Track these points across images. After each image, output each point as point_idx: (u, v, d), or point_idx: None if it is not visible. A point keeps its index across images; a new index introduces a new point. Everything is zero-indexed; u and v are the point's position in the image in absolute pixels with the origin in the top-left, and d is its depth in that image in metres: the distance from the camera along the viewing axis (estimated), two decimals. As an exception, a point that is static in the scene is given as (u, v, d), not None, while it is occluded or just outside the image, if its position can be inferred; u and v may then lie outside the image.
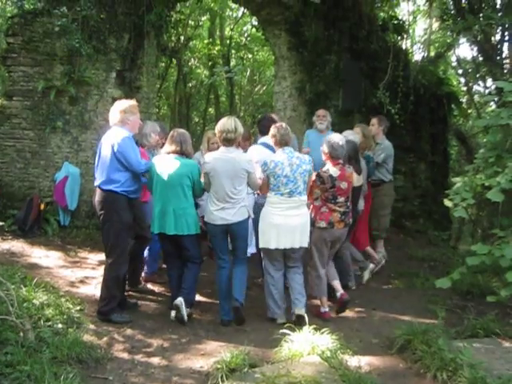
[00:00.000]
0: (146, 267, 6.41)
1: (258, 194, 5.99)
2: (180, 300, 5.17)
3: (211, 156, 5.33)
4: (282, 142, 5.41)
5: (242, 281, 5.44)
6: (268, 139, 5.85)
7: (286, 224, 5.29)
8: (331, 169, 5.52)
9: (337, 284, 5.76)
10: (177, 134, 5.33)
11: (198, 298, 6.05)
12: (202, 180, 5.36)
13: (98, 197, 5.28)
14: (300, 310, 5.28)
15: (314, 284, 5.71)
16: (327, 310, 5.64)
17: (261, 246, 5.49)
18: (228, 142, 5.20)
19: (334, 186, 5.47)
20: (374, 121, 7.51)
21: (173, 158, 5.24)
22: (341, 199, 5.54)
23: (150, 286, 6.37)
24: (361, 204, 6.53)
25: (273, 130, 5.51)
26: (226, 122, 5.21)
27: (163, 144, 5.75)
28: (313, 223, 5.51)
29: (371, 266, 6.97)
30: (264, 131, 6.29)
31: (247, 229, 5.49)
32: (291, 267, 5.53)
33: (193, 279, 5.41)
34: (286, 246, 5.33)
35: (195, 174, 5.28)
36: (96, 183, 5.33)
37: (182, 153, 5.26)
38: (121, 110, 5.31)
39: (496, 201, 4.65)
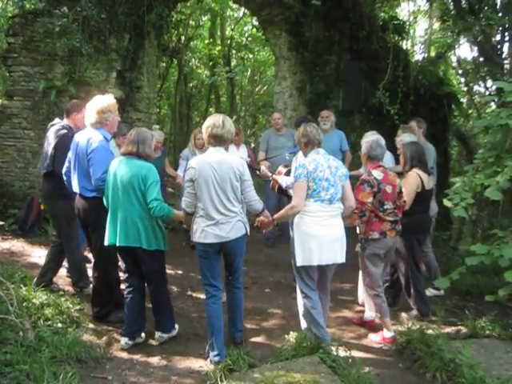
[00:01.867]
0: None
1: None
2: (160, 336, 4.80)
3: (196, 159, 4.55)
4: (316, 142, 4.73)
5: (242, 309, 4.84)
6: None
7: (329, 235, 4.58)
8: (374, 172, 5.06)
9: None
10: (135, 133, 4.68)
11: (197, 297, 6.07)
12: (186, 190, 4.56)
13: (81, 204, 5.03)
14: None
15: (374, 304, 5.17)
16: (393, 333, 5.07)
17: (300, 263, 4.62)
18: (215, 139, 4.42)
19: (379, 190, 5.01)
20: (413, 123, 7.15)
21: (126, 160, 4.61)
22: (388, 205, 5.04)
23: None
24: (434, 207, 6.07)
25: (303, 129, 4.84)
26: (214, 117, 4.54)
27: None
28: (366, 238, 5.05)
29: None
30: None
31: (244, 246, 4.64)
32: (323, 289, 4.86)
33: (166, 305, 4.81)
34: (329, 262, 4.62)
35: (149, 178, 4.49)
36: (76, 190, 5.05)
37: (138, 154, 4.59)
38: (98, 109, 4.93)
39: (495, 200, 4.65)
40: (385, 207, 5.04)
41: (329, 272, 4.79)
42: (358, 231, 5.21)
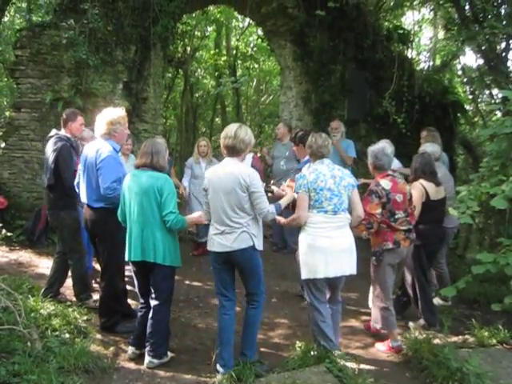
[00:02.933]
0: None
1: None
2: (150, 361, 4.53)
3: (210, 170, 4.57)
4: (318, 154, 4.68)
5: (254, 329, 4.55)
6: None
7: (334, 247, 4.48)
8: (382, 181, 4.98)
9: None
10: (148, 144, 4.62)
11: (204, 306, 6.08)
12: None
13: (89, 215, 5.05)
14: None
15: (381, 316, 5.08)
16: (399, 343, 5.01)
17: (305, 276, 4.59)
18: (227, 150, 4.39)
19: (389, 201, 4.93)
20: (424, 133, 7.38)
21: (140, 172, 4.55)
22: (399, 214, 4.96)
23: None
24: (455, 219, 5.72)
25: (310, 139, 4.82)
26: (228, 127, 4.48)
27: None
28: (381, 249, 4.97)
29: None
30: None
31: (254, 260, 4.45)
32: (334, 301, 4.80)
33: (162, 327, 4.57)
34: (337, 274, 4.52)
35: (165, 189, 4.42)
36: (85, 200, 5.10)
37: (152, 166, 4.52)
38: (108, 121, 4.99)
39: (502, 209, 4.64)
40: (396, 216, 4.96)
41: (339, 283, 4.71)
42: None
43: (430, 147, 6.20)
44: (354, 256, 4.61)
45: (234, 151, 4.38)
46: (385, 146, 5.18)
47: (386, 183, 4.96)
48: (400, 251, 4.99)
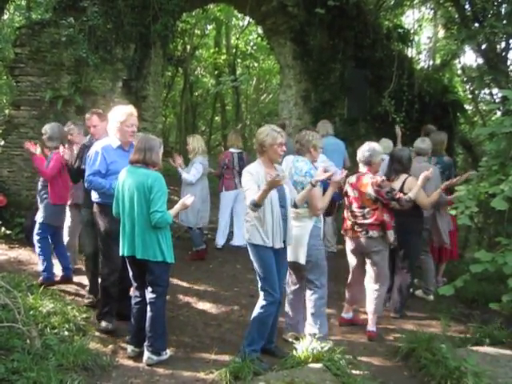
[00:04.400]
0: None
1: None
2: (149, 357, 4.54)
3: None
4: (296, 151, 5.03)
5: (254, 326, 4.57)
6: None
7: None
8: (353, 175, 5.43)
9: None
10: (142, 140, 4.54)
11: (203, 305, 6.08)
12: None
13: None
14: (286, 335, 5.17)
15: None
16: (350, 315, 5.59)
17: None
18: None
19: (346, 192, 5.42)
20: (422, 132, 7.70)
21: (132, 168, 4.53)
22: (353, 207, 5.33)
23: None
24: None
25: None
26: None
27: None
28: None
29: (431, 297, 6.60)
30: None
31: (251, 254, 4.57)
32: (306, 286, 5.06)
33: (159, 321, 4.56)
34: (290, 259, 4.85)
35: (154, 187, 4.38)
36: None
37: (145, 162, 4.47)
38: (109, 118, 5.11)
39: (501, 209, 4.64)
40: (352, 208, 5.36)
41: (301, 268, 4.93)
42: None
43: (420, 144, 6.65)
44: (300, 247, 4.81)
45: (257, 151, 4.61)
46: (365, 144, 5.43)
47: (352, 177, 5.40)
48: (348, 240, 5.45)
